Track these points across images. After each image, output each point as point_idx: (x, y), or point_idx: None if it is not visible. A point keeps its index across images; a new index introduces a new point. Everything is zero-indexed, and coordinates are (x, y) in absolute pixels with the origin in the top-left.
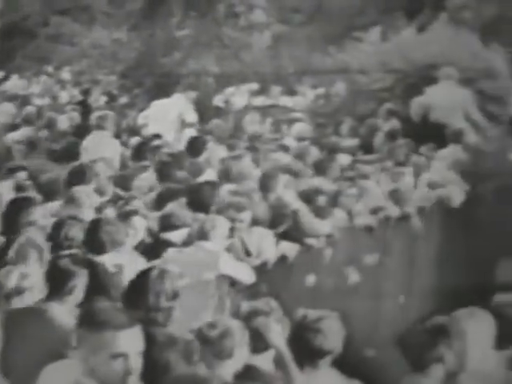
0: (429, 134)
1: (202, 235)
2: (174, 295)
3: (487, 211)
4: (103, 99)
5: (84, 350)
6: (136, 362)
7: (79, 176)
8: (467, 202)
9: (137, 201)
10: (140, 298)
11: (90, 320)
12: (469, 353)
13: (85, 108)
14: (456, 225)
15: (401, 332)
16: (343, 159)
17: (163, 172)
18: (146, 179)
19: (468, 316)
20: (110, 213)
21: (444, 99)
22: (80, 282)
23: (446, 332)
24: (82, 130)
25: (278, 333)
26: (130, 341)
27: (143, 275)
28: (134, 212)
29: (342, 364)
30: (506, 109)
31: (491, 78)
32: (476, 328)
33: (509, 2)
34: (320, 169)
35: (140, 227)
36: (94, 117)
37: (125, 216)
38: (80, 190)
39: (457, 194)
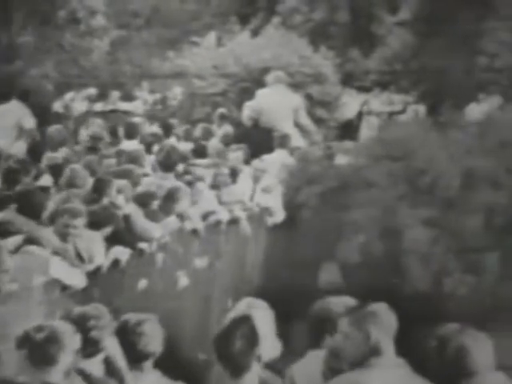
0: (260, 138)
1: (33, 240)
2: None
3: (311, 215)
4: None
5: None
6: None
7: None
8: (293, 205)
9: None
10: None
11: None
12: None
13: None
14: (282, 228)
15: (215, 337)
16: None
17: (9, 178)
18: None
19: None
20: None
21: (273, 103)
22: None
23: (256, 337)
24: None
25: (108, 337)
26: None
27: None
28: None
29: (171, 366)
30: (333, 113)
31: (320, 83)
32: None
33: (339, 6)
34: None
35: None
36: None
37: None
38: None
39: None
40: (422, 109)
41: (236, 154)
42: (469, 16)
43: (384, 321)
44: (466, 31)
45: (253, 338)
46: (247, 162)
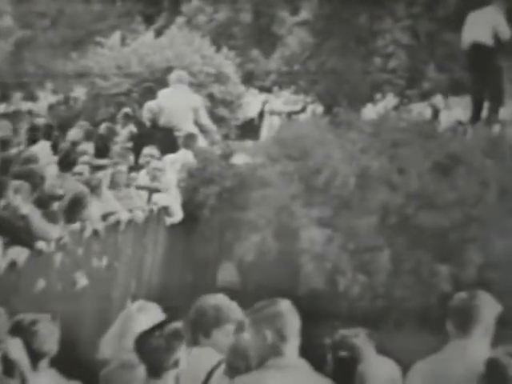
0: (163, 138)
1: None
2: None
3: (210, 214)
4: None
5: None
6: None
7: None
8: (191, 205)
9: None
10: None
11: None
12: None
13: None
14: (181, 228)
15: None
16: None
17: None
18: None
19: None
20: None
21: (173, 103)
22: None
23: (181, 336)
24: None
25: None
26: None
27: None
28: None
29: (68, 366)
30: (235, 113)
31: (222, 83)
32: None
33: (242, 7)
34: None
35: None
36: None
37: None
38: None
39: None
40: (319, 109)
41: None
42: (365, 17)
43: (287, 320)
44: (363, 32)
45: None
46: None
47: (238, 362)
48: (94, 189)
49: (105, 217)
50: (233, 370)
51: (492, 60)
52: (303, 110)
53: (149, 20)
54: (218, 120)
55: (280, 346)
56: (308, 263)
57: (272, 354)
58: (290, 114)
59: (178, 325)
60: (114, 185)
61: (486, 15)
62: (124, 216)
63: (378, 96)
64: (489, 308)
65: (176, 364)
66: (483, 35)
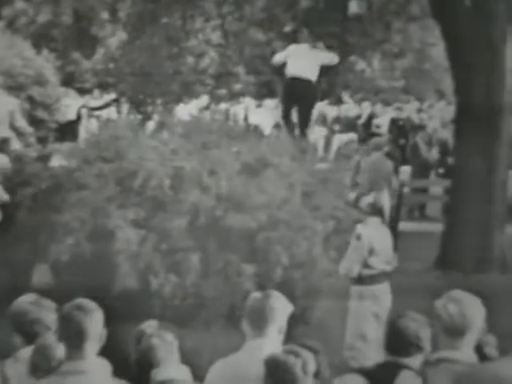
0: None
1: None
2: None
3: (26, 216)
4: None
5: None
6: None
7: None
8: (8, 206)
9: None
10: None
11: None
12: None
13: None
14: None
15: None
16: None
17: None
18: None
19: None
20: None
21: None
22: None
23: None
24: None
25: None
26: None
27: None
28: None
29: None
30: (54, 115)
31: (41, 85)
32: None
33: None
34: None
35: None
36: None
37: None
38: None
39: None
40: (133, 110)
41: None
42: (178, 16)
43: (92, 320)
44: (175, 31)
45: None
46: None
47: (41, 362)
48: None
49: None
50: (36, 370)
51: (310, 92)
52: (119, 111)
53: None
54: (36, 122)
55: (80, 347)
56: (123, 263)
57: (70, 358)
58: (103, 116)
59: None
60: None
61: (308, 52)
62: None
63: (189, 96)
64: (282, 308)
65: None
66: (305, 70)
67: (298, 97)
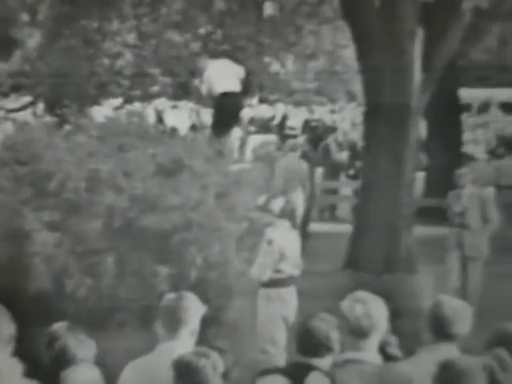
0: None
1: None
2: None
3: None
4: None
5: None
6: None
7: None
8: None
9: None
10: None
11: None
12: None
13: None
14: None
15: None
16: None
17: None
18: None
19: None
20: None
21: None
22: None
23: None
24: None
25: None
26: None
27: None
28: None
29: None
30: None
31: None
32: None
33: None
34: None
35: None
36: None
37: None
38: None
39: None
40: (48, 111)
41: None
42: (95, 18)
43: None
44: (92, 33)
45: None
46: None
47: None
48: None
49: None
50: None
51: (240, 104)
52: (35, 113)
53: None
54: None
55: None
56: (39, 266)
57: None
58: (9, 111)
59: None
60: None
61: (230, 67)
62: None
63: (104, 98)
64: (195, 308)
65: None
66: (231, 84)
67: (230, 111)
